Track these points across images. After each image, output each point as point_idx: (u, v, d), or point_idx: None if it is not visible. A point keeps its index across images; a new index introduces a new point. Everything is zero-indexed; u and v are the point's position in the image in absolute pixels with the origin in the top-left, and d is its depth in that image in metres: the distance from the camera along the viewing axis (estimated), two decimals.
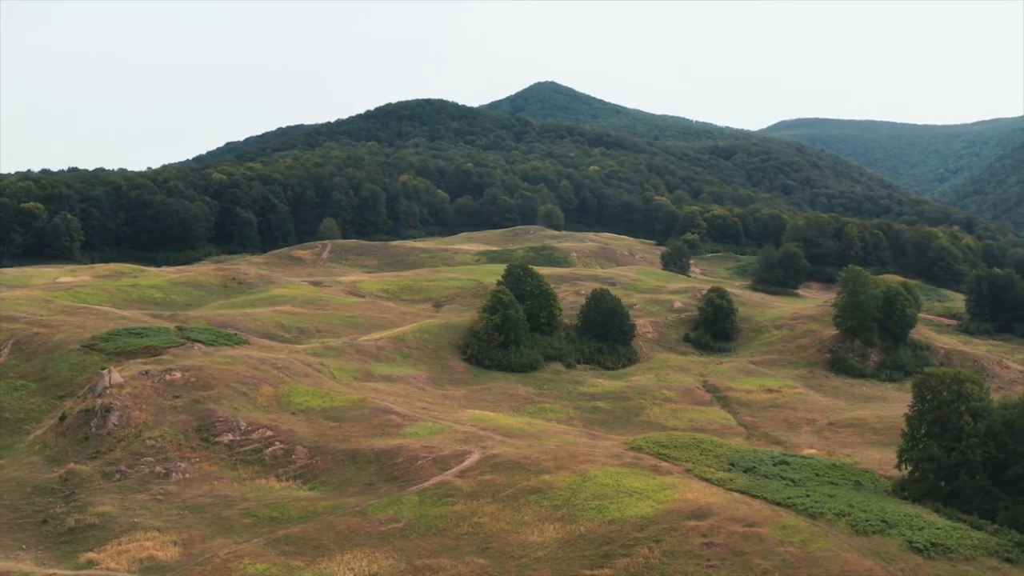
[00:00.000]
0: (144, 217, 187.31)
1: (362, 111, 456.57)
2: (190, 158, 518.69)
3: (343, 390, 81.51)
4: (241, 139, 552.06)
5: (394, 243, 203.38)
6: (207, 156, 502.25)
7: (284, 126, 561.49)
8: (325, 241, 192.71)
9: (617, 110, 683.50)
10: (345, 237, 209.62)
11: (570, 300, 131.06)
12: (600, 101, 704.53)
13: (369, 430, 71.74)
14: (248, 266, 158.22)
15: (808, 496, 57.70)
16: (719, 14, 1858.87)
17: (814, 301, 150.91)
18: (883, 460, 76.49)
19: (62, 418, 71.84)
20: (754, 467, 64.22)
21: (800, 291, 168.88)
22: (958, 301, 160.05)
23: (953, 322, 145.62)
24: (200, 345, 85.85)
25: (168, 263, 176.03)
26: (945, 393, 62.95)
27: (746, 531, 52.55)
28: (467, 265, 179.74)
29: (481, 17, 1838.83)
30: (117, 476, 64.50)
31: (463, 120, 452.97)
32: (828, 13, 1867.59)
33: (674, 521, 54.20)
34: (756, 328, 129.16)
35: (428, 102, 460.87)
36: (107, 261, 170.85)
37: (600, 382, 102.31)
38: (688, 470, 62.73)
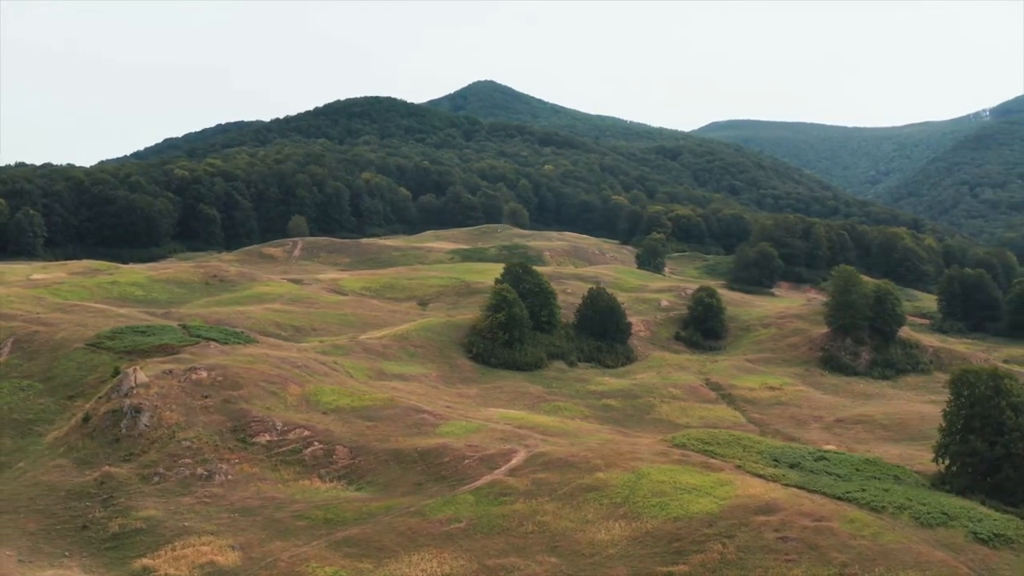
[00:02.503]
0: (107, 213, 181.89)
1: (296, 109, 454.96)
2: (128, 154, 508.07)
3: (367, 389, 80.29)
4: (180, 135, 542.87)
5: (365, 241, 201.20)
6: (146, 152, 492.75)
7: (224, 123, 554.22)
8: (296, 239, 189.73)
9: (556, 110, 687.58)
10: (311, 235, 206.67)
11: (559, 299, 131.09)
12: (539, 101, 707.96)
13: (405, 429, 70.73)
14: (226, 264, 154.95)
15: (864, 491, 58.55)
16: (649, 15, 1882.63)
17: (792, 300, 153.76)
18: (903, 456, 78.15)
19: (86, 419, 69.34)
20: (799, 463, 64.96)
21: (774, 290, 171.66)
22: (926, 301, 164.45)
23: (925, 321, 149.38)
24: (214, 344, 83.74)
25: (133, 260, 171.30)
26: (983, 388, 64.55)
27: (817, 525, 53.08)
28: (442, 264, 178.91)
29: (414, 15, 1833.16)
30: (156, 479, 62.51)
31: (412, 118, 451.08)
32: (757, 15, 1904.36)
33: (742, 517, 54.48)
34: (744, 327, 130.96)
35: (377, 100, 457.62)
36: (69, 258, 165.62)
37: (606, 380, 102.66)
38: (738, 466, 63.13)
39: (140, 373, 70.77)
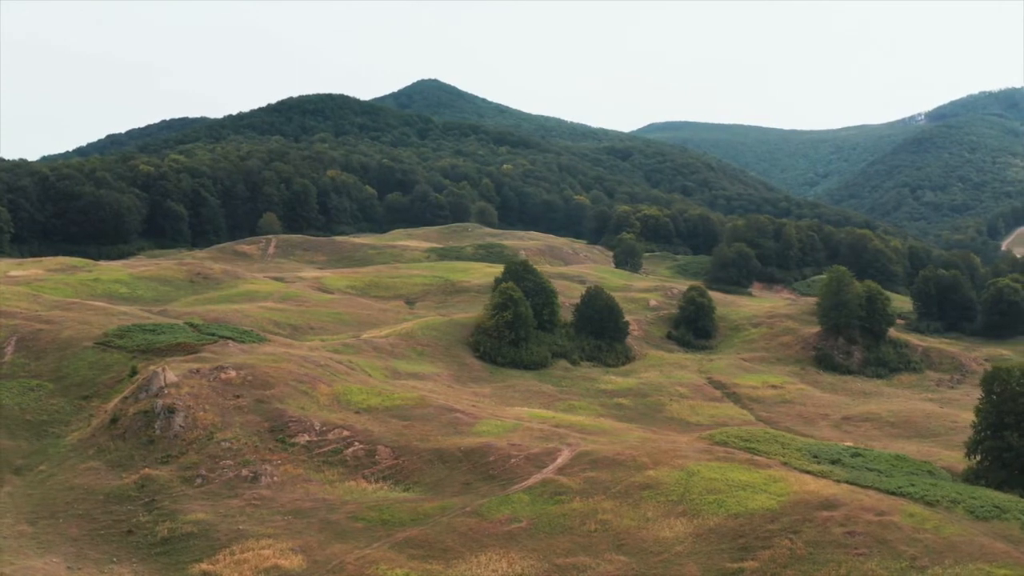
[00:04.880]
0: (73, 209, 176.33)
1: (230, 108, 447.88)
2: (71, 149, 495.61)
3: (392, 388, 79.32)
4: (123, 131, 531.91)
5: (339, 239, 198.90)
6: (89, 148, 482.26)
7: (168, 119, 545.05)
8: (270, 236, 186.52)
9: (501, 109, 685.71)
10: (280, 232, 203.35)
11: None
12: (484, 100, 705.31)
13: (441, 428, 70.01)
14: (208, 261, 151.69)
15: (913, 485, 59.61)
16: (585, 16, 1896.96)
17: (774, 300, 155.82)
18: (921, 452, 79.83)
19: (114, 420, 67.23)
20: (838, 459, 65.97)
21: (751, 291, 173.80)
22: (897, 301, 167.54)
23: (901, 321, 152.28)
24: (232, 342, 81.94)
25: (102, 258, 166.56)
26: (1015, 384, 66.21)
27: (880, 520, 53.77)
28: (419, 262, 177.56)
29: (350, 13, 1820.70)
30: (198, 481, 60.87)
31: (366, 116, 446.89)
32: (693, 18, 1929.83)
33: (805, 512, 54.98)
34: (733, 326, 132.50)
35: (331, 97, 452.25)
36: (36, 255, 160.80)
37: (613, 379, 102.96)
38: (784, 463, 63.79)
39: (169, 373, 68.87)
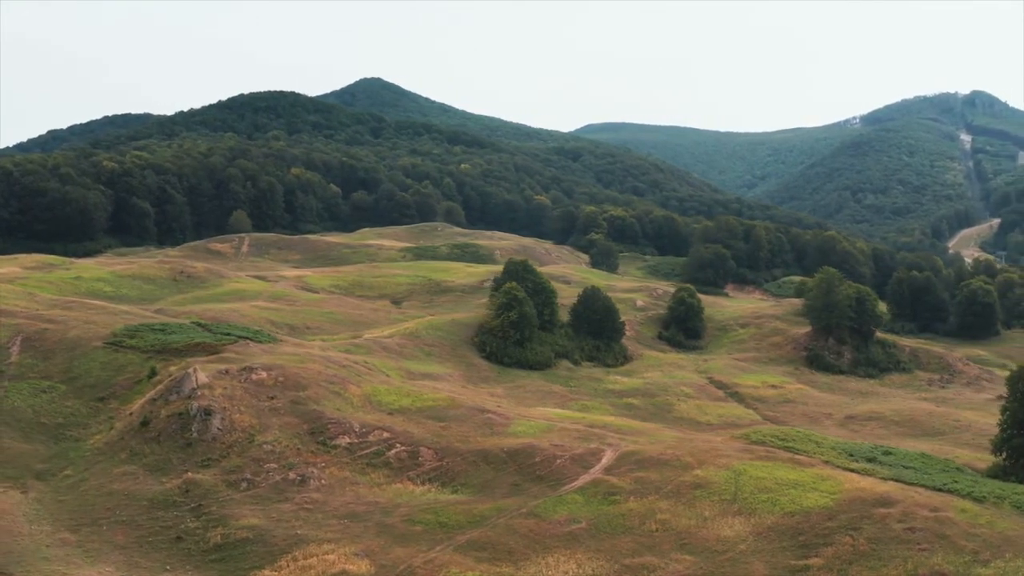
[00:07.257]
0: (38, 206, 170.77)
1: (169, 105, 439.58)
2: (11, 145, 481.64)
3: (417, 389, 78.49)
4: (64, 127, 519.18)
5: (312, 237, 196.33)
6: (30, 144, 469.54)
7: (110, 115, 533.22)
8: (243, 235, 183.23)
9: (445, 109, 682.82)
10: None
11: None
12: (427, 99, 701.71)
13: (478, 429, 69.49)
14: (186, 260, 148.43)
15: (956, 482, 60.92)
16: (520, 14, 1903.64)
17: (756, 301, 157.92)
18: (933, 450, 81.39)
19: (144, 423, 65.35)
20: (874, 458, 67.07)
21: (727, 291, 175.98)
22: None
23: None
24: (251, 342, 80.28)
25: (68, 255, 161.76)
26: None
27: (936, 516, 54.78)
28: (395, 262, 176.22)
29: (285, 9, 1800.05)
30: (244, 485, 59.44)
31: (318, 114, 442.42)
32: (627, 19, 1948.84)
33: (862, 509, 55.78)
34: (720, 327, 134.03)
35: (282, 94, 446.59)
36: (0, 252, 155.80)
37: (619, 379, 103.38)
38: (826, 462, 64.66)
39: (201, 374, 67.20)
